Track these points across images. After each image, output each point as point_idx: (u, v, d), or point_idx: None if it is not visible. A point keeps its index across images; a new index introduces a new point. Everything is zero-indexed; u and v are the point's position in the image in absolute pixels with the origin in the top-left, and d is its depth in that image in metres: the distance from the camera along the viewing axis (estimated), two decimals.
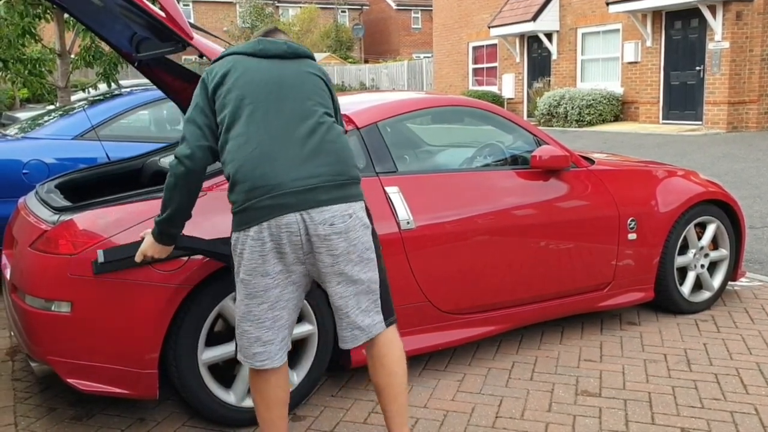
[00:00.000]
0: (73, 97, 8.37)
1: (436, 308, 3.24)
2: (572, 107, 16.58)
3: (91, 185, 3.74)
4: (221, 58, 2.40)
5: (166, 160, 3.61)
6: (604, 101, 16.45)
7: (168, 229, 2.39)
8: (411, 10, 42.53)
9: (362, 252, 2.29)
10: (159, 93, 5.06)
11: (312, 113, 2.29)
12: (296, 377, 2.95)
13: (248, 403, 2.86)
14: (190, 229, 2.69)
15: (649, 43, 15.71)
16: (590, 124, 16.33)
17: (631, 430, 2.78)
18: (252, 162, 2.19)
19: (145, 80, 5.23)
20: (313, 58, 2.46)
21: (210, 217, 2.75)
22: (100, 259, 2.55)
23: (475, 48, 22.56)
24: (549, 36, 18.85)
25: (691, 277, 4.08)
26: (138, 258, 2.48)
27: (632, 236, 3.76)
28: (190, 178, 2.30)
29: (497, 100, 19.71)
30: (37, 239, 2.74)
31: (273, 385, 2.36)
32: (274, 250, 2.21)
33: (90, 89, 8.83)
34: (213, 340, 2.82)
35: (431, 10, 26.99)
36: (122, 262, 2.55)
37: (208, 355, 2.77)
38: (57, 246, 2.65)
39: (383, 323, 2.38)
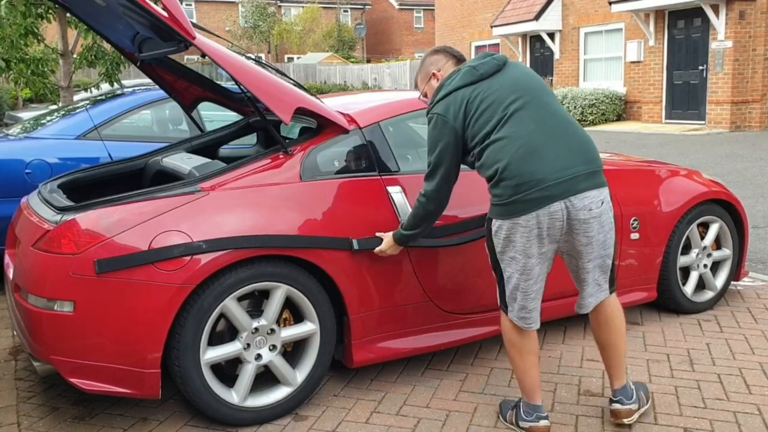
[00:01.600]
0: (76, 97, 8.38)
1: (438, 308, 3.23)
2: (575, 107, 16.57)
3: (93, 185, 3.74)
4: (446, 95, 2.69)
5: (168, 160, 3.61)
6: (607, 101, 16.44)
7: (410, 241, 2.95)
8: (413, 9, 42.51)
9: (608, 231, 2.65)
10: (161, 93, 5.06)
11: (555, 110, 2.62)
12: (299, 376, 2.95)
13: (250, 402, 2.86)
14: (191, 230, 2.70)
15: (651, 43, 15.68)
16: (593, 123, 16.32)
17: (634, 430, 2.78)
18: (518, 160, 2.50)
19: (148, 80, 5.24)
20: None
21: (210, 217, 2.76)
22: (356, 247, 2.96)
23: (477, 47, 22.54)
24: (551, 35, 18.84)
25: (693, 276, 4.07)
26: (377, 251, 2.98)
27: (635, 236, 3.76)
28: (436, 214, 2.86)
29: None
30: (40, 239, 2.74)
31: (528, 337, 2.72)
32: (538, 236, 2.54)
33: (92, 89, 8.83)
34: (215, 340, 2.83)
35: (433, 9, 26.98)
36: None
37: (211, 354, 2.77)
38: (60, 245, 2.65)
39: (608, 291, 2.76)
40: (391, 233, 2.98)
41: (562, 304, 3.61)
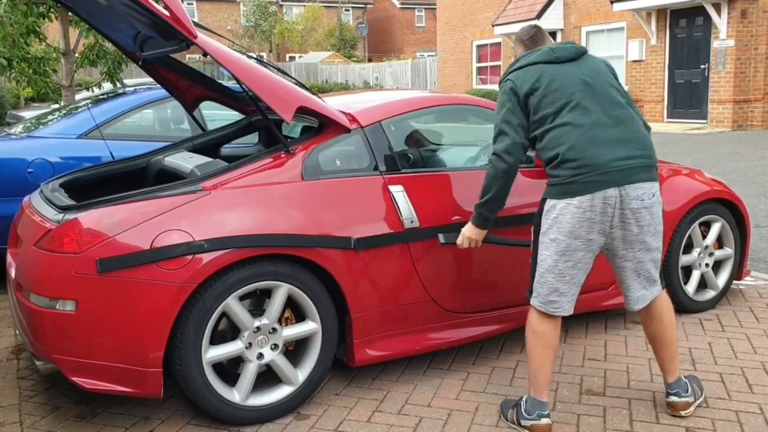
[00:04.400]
0: (78, 96, 8.38)
1: (440, 307, 3.23)
2: None
3: (95, 184, 3.74)
4: (521, 67, 2.81)
5: (170, 159, 3.61)
6: None
7: (485, 212, 2.91)
8: (415, 8, 42.51)
9: (658, 224, 2.73)
10: (163, 92, 5.06)
11: (618, 104, 2.74)
12: (300, 375, 2.96)
13: (252, 401, 2.86)
14: (192, 229, 2.70)
15: (653, 42, 15.67)
16: None
17: (636, 430, 2.78)
18: (580, 145, 2.62)
19: (149, 79, 5.23)
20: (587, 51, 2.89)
21: (212, 216, 2.76)
22: (442, 241, 3.10)
23: (479, 46, 22.52)
24: (553, 34, 18.81)
25: (695, 276, 4.07)
26: (460, 240, 3.01)
27: None
28: (509, 172, 2.79)
29: None
30: (42, 238, 2.74)
31: (551, 329, 2.76)
32: (589, 219, 2.62)
33: (94, 88, 8.84)
34: (217, 339, 2.83)
35: (435, 8, 26.96)
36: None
37: (213, 353, 2.77)
38: (61, 244, 2.65)
39: (660, 286, 2.85)
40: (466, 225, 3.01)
41: (587, 299, 3.59)
